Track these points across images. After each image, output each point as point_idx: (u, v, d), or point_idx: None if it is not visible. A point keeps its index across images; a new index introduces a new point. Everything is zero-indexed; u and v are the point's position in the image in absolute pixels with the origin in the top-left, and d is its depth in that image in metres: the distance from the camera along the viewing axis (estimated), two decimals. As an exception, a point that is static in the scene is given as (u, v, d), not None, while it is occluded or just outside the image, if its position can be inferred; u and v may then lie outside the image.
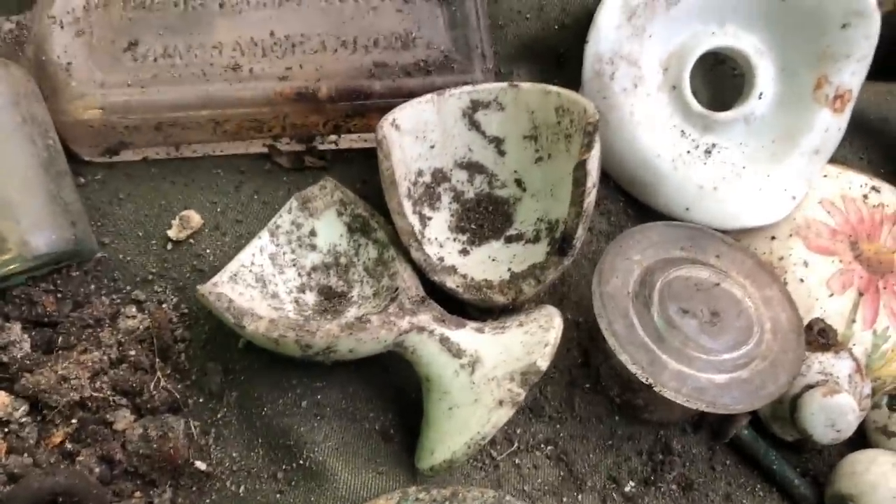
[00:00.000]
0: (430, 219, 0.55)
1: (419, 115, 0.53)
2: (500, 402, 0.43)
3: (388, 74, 0.54)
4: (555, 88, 0.53)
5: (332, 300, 0.51)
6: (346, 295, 0.51)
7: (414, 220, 0.53)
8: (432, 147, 0.55)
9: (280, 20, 0.54)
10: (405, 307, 0.47)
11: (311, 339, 0.43)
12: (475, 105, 0.54)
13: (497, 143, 0.56)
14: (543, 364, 0.44)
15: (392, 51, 0.55)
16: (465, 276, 0.51)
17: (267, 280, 0.50)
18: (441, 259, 0.53)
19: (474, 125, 0.55)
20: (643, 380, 0.47)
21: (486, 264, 0.54)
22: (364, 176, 0.57)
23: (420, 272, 0.51)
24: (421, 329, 0.46)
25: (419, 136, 0.54)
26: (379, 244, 0.52)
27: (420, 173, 0.55)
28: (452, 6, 0.56)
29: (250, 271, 0.50)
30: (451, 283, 0.51)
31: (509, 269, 0.52)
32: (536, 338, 0.46)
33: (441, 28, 0.55)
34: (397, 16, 0.55)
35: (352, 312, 0.50)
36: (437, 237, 0.54)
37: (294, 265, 0.52)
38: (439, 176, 0.55)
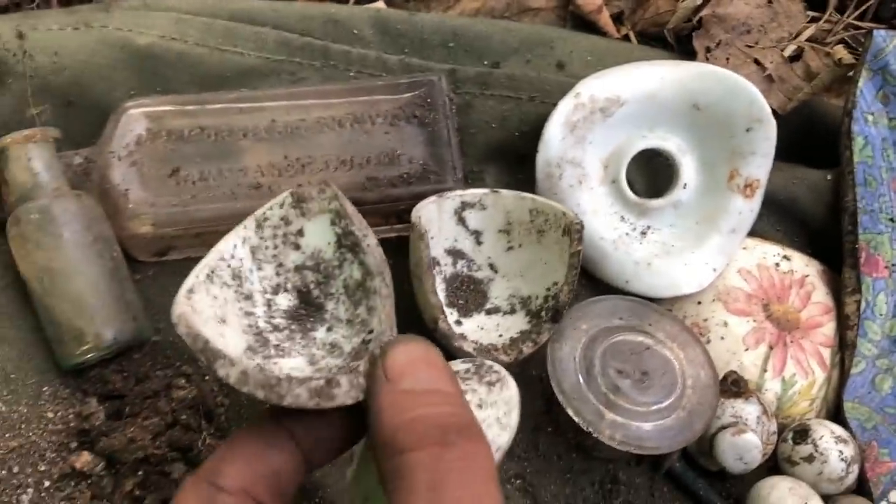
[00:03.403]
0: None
1: (428, 211, 0.66)
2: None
3: (377, 186, 0.68)
4: (529, 195, 0.67)
5: (307, 308, 0.50)
6: (321, 308, 0.51)
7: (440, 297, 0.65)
8: (432, 238, 0.67)
9: (292, 145, 0.68)
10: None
11: (280, 401, 0.40)
12: (464, 205, 0.68)
13: (476, 234, 0.69)
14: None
15: (381, 166, 0.68)
16: (475, 342, 0.63)
17: (244, 277, 0.48)
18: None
19: (461, 221, 0.68)
20: (584, 428, 0.60)
21: (478, 333, 0.66)
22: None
23: (439, 342, 0.60)
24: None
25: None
26: (364, 268, 0.49)
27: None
28: (429, 128, 0.69)
29: (228, 266, 0.48)
30: (466, 347, 0.62)
31: (500, 336, 0.65)
32: (493, 431, 0.44)
33: (420, 146, 0.69)
34: (385, 137, 0.69)
35: (320, 334, 0.50)
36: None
37: (274, 260, 0.50)
38: (433, 262, 0.68)
